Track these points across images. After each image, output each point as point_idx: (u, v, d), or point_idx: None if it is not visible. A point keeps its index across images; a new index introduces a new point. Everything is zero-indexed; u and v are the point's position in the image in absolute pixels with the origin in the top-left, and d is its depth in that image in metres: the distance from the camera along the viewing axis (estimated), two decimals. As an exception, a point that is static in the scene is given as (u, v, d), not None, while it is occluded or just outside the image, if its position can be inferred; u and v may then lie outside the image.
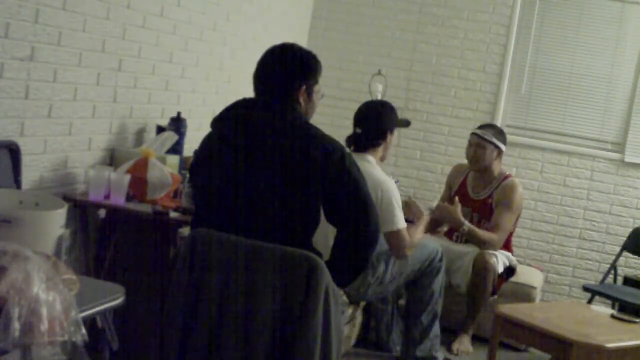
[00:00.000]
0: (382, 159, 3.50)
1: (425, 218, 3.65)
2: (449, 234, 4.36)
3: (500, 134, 4.29)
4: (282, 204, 2.18)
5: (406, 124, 3.74)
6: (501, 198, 4.24)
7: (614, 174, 5.13)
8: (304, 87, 2.34)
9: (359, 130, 3.43)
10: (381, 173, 3.35)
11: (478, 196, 4.30)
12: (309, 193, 2.18)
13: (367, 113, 3.47)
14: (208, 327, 2.13)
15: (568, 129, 5.25)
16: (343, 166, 2.22)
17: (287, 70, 2.33)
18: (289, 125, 2.22)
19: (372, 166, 3.33)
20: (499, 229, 4.18)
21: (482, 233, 4.13)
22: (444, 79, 5.36)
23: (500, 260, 4.15)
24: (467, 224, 4.09)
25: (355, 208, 2.24)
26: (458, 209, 4.09)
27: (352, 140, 3.43)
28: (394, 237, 3.29)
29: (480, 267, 4.04)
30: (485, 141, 4.22)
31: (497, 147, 4.23)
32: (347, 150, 2.31)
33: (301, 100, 2.34)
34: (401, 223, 3.30)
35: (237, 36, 4.36)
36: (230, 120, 2.27)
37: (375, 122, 3.43)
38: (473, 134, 4.31)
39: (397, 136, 3.56)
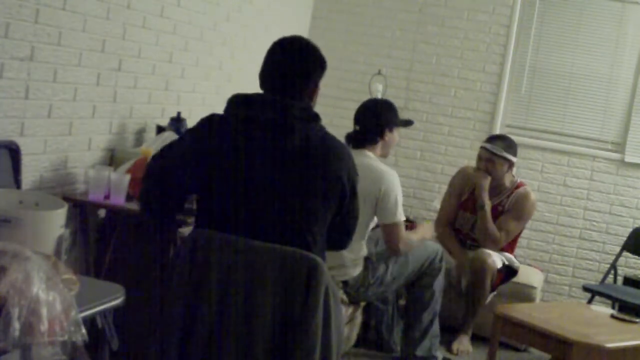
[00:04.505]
0: (383, 156, 3.51)
1: (427, 229, 3.69)
2: (455, 238, 4.36)
3: (510, 147, 4.21)
4: (285, 206, 2.17)
5: (407, 123, 3.74)
6: (513, 206, 4.22)
7: (614, 174, 5.13)
8: (318, 85, 2.32)
9: (357, 128, 3.46)
10: (383, 165, 3.37)
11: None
12: (313, 198, 2.18)
13: (365, 111, 3.51)
14: (208, 327, 2.13)
15: (568, 129, 5.25)
16: (348, 187, 2.23)
17: (305, 68, 2.28)
18: (303, 133, 2.19)
19: (371, 159, 3.35)
20: (503, 233, 4.18)
21: (491, 223, 4.13)
22: (444, 79, 5.36)
23: (497, 258, 4.15)
24: (487, 204, 4.08)
25: (346, 224, 2.34)
26: (488, 183, 4.11)
27: (351, 137, 3.45)
28: (390, 229, 3.33)
29: (478, 267, 4.04)
30: (495, 156, 4.16)
31: (507, 160, 4.18)
32: (355, 166, 2.31)
33: (313, 97, 2.32)
34: (399, 217, 3.32)
35: (237, 36, 4.36)
36: (238, 120, 2.22)
37: (373, 119, 3.46)
38: (483, 147, 4.23)
39: (398, 136, 3.57)
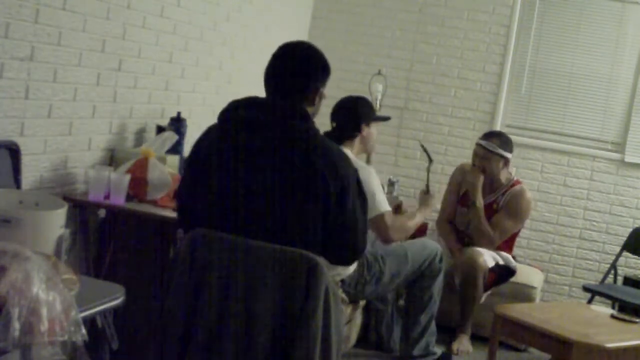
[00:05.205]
0: (364, 152, 3.53)
1: (425, 202, 3.70)
2: (455, 236, 4.36)
3: (505, 143, 4.20)
4: (284, 207, 2.17)
5: (384, 119, 3.74)
6: (508, 205, 4.22)
7: (614, 174, 5.13)
8: (320, 89, 2.35)
9: (334, 125, 3.49)
10: (358, 162, 3.34)
11: (483, 201, 4.26)
12: (312, 201, 2.18)
13: (341, 107, 3.53)
14: (208, 327, 2.13)
15: (568, 129, 5.25)
16: (346, 191, 2.21)
17: (308, 72, 2.32)
18: (302, 135, 2.21)
19: None
20: (498, 231, 4.17)
21: (485, 221, 4.13)
22: (444, 79, 5.36)
23: (488, 256, 4.14)
24: (479, 201, 4.09)
25: (344, 230, 2.23)
26: (480, 181, 4.11)
27: (329, 134, 3.46)
28: (375, 223, 3.30)
29: (469, 267, 4.04)
30: (490, 152, 4.16)
31: (502, 157, 4.18)
32: (356, 172, 2.30)
33: (315, 102, 2.35)
34: (379, 209, 3.30)
35: (237, 36, 4.36)
36: (237, 121, 2.26)
37: (348, 115, 3.48)
38: (478, 144, 4.23)
39: (376, 132, 3.56)
